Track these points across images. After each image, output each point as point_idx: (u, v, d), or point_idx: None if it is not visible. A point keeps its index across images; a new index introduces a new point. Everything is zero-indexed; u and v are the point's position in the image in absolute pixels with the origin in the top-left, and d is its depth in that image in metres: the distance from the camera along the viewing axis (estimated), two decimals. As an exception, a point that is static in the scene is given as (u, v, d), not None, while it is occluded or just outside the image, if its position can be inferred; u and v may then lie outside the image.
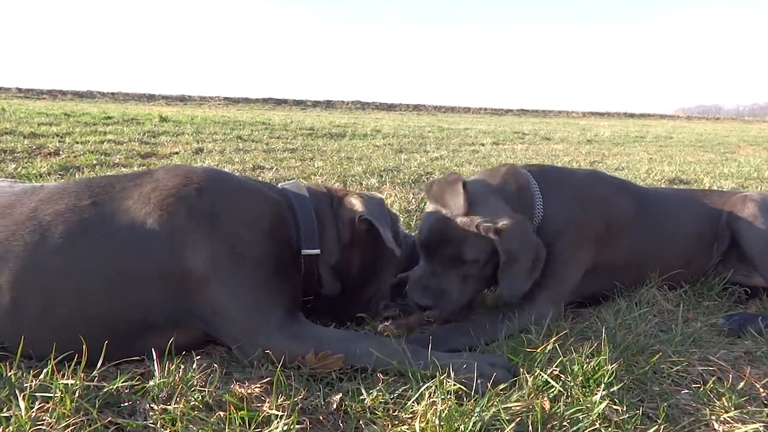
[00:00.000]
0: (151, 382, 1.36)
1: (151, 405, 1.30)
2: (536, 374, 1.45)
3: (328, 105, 28.13)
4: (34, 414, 1.19)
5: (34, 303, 1.40)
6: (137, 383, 1.40)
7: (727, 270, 2.29)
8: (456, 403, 1.32)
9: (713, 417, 1.41)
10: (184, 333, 1.50)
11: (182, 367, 1.42)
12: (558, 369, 1.50)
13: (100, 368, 1.40)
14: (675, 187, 5.41)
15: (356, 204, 1.74)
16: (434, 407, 1.28)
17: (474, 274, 1.86)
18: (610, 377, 1.45)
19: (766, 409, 1.47)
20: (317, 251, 1.67)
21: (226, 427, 1.20)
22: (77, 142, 6.12)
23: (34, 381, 1.31)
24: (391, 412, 1.34)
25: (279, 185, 1.81)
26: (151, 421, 1.25)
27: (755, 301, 2.28)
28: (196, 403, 1.30)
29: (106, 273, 1.42)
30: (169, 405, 1.28)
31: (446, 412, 1.25)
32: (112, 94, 25.50)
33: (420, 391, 1.37)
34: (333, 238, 1.74)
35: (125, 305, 1.43)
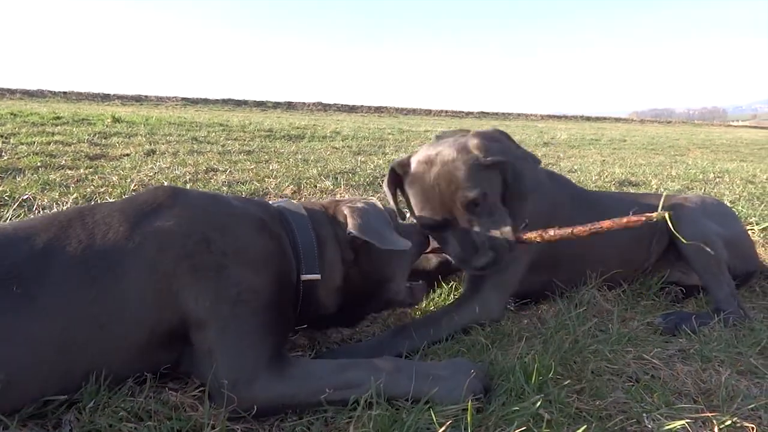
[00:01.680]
0: (78, 393, 1.32)
1: (77, 416, 1.25)
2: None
3: (290, 106, 27.90)
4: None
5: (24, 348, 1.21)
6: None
7: (665, 269, 2.37)
8: (393, 409, 1.33)
9: (645, 414, 1.44)
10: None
11: (112, 376, 1.38)
12: (499, 371, 1.51)
13: None
14: (624, 189, 5.57)
15: (348, 220, 1.70)
16: (369, 412, 1.28)
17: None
18: (545, 377, 1.47)
19: (695, 405, 1.52)
20: (317, 276, 1.63)
21: (153, 437, 1.17)
22: (22, 143, 5.88)
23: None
24: (329, 419, 1.33)
25: (275, 204, 1.74)
26: (76, 433, 1.21)
27: (691, 300, 2.36)
28: (125, 414, 1.26)
29: (104, 322, 1.28)
30: (96, 416, 1.24)
31: (380, 418, 1.25)
32: (64, 93, 24.67)
33: (356, 398, 1.36)
34: (334, 258, 1.70)
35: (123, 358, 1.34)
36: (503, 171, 1.91)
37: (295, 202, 1.78)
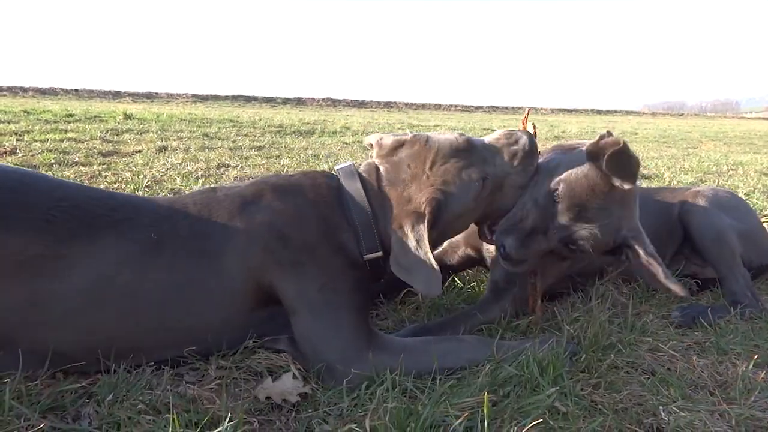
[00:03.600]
0: (97, 386, 1.33)
1: (96, 409, 1.27)
2: (486, 370, 1.46)
3: (299, 102, 27.90)
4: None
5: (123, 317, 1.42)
6: (84, 386, 1.36)
7: (679, 263, 2.36)
8: (409, 400, 1.33)
9: (661, 406, 1.43)
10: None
11: (129, 370, 1.40)
12: (514, 364, 1.51)
13: (47, 372, 1.37)
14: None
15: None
16: (385, 404, 1.28)
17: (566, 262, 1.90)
18: (560, 370, 1.47)
19: (711, 397, 1.51)
20: (379, 254, 1.61)
21: (171, 429, 1.17)
22: (36, 141, 5.93)
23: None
24: (344, 412, 1.34)
25: (335, 173, 1.71)
26: (95, 426, 1.22)
27: (706, 292, 2.34)
28: (143, 406, 1.28)
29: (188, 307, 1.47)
30: (115, 409, 1.26)
31: (396, 411, 1.25)
32: (76, 90, 24.81)
33: (372, 389, 1.37)
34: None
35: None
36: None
37: (353, 168, 1.69)
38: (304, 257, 1.52)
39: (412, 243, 1.55)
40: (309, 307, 1.49)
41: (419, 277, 1.54)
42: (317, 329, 1.48)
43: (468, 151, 1.67)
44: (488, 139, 1.77)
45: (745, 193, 4.80)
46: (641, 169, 6.28)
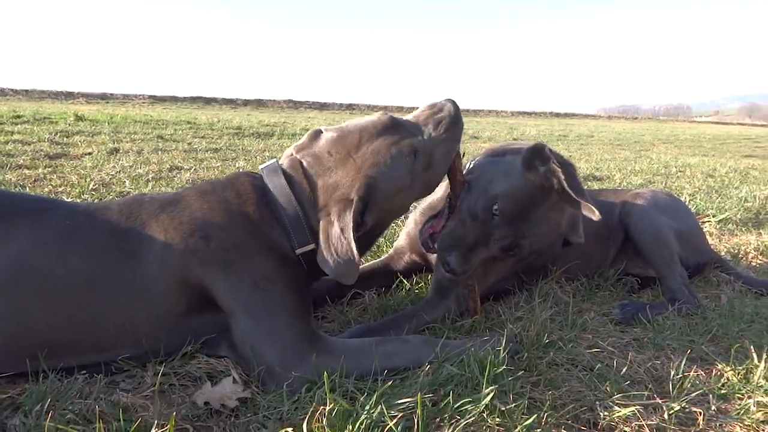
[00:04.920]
0: (25, 395, 1.28)
1: (23, 420, 1.22)
2: (427, 370, 1.47)
3: (260, 104, 27.58)
4: None
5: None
6: (12, 396, 1.31)
7: (621, 262, 2.42)
8: (349, 402, 1.33)
9: (597, 402, 1.47)
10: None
11: (60, 378, 1.35)
12: (455, 363, 1.52)
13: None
14: (588, 184, 5.66)
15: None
16: (324, 407, 1.27)
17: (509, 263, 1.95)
18: (499, 368, 1.49)
19: (646, 392, 1.55)
20: (311, 246, 1.58)
21: (100, 439, 1.14)
22: (-22, 143, 5.72)
23: None
24: (284, 415, 1.33)
25: (259, 173, 1.68)
26: (21, 438, 1.18)
27: (646, 290, 2.41)
28: (72, 416, 1.23)
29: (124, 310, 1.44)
30: (42, 419, 1.21)
31: (335, 414, 1.25)
32: (26, 91, 23.88)
33: (312, 391, 1.36)
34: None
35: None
36: None
37: (276, 165, 1.66)
38: (231, 256, 1.49)
39: (335, 231, 1.52)
40: (244, 308, 1.47)
41: (338, 267, 1.51)
42: (255, 330, 1.46)
43: (393, 127, 1.64)
44: (412, 115, 1.76)
45: (690, 194, 4.98)
46: (594, 171, 6.44)
